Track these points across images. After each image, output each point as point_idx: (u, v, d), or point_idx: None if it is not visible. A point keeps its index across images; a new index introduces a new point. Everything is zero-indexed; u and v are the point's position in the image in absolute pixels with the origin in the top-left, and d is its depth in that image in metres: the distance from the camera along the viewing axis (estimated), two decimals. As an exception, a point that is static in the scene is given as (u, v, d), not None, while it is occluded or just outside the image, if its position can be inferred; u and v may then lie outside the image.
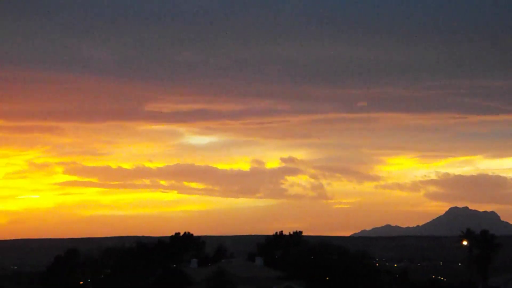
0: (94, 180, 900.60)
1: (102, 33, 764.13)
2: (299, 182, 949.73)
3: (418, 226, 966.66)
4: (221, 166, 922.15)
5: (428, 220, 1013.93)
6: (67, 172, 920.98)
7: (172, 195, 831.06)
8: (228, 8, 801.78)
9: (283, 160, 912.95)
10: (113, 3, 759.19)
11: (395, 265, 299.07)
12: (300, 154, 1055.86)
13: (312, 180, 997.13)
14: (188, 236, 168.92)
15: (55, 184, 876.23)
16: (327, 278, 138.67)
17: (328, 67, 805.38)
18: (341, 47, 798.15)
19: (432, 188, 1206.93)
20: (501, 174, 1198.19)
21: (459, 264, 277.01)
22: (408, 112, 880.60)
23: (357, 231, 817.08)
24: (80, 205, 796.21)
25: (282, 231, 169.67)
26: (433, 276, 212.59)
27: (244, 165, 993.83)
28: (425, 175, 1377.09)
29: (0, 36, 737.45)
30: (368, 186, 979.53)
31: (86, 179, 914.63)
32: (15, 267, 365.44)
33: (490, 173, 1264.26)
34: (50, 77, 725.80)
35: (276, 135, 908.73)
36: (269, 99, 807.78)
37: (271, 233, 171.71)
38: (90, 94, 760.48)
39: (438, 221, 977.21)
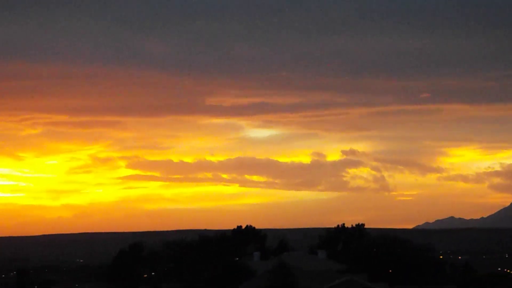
0: (156, 174, 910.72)
1: (163, 27, 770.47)
2: (361, 175, 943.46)
3: (482, 218, 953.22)
4: (282, 159, 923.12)
5: (492, 212, 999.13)
6: (129, 166, 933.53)
7: (234, 188, 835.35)
8: (287, 2, 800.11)
9: (344, 152, 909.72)
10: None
11: (459, 257, 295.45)
12: (361, 146, 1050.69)
13: (374, 173, 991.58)
14: (250, 229, 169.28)
15: (118, 178, 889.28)
16: (390, 271, 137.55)
17: (389, 59, 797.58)
18: (402, 38, 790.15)
19: (496, 180, 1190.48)
20: None
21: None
22: (471, 103, 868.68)
23: (420, 223, 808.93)
24: (143, 198, 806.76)
25: (344, 224, 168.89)
26: (499, 269, 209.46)
27: (305, 158, 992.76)
28: (489, 167, 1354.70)
29: (62, 32, 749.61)
30: (430, 178, 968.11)
31: (149, 173, 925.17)
32: (81, 261, 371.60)
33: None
34: (111, 73, 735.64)
35: (337, 128, 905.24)
36: (330, 91, 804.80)
37: (333, 225, 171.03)
38: (152, 89, 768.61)
39: (503, 213, 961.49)
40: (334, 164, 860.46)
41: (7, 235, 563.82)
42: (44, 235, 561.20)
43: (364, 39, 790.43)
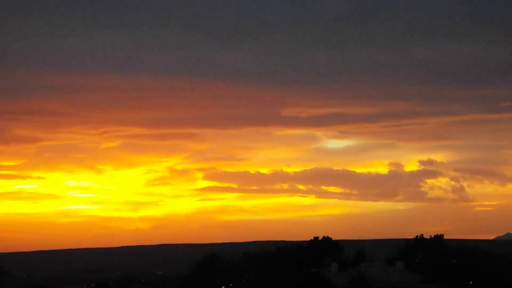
0: (233, 185, 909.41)
1: (238, 38, 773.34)
2: (439, 185, 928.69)
3: None
4: (358, 169, 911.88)
5: None
6: (206, 177, 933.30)
7: (310, 200, 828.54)
8: (363, 11, 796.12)
9: (422, 162, 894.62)
10: (249, 8, 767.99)
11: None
12: (439, 156, 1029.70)
13: (453, 183, 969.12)
14: (327, 240, 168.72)
15: (195, 189, 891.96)
16: (471, 282, 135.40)
17: (468, 67, 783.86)
18: (482, 46, 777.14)
19: None
20: None
21: None
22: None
23: (501, 234, 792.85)
24: (220, 210, 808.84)
25: (422, 235, 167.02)
26: None
27: (382, 168, 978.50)
28: None
29: (140, 46, 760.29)
30: (511, 188, 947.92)
31: (225, 185, 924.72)
32: (159, 272, 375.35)
33: None
34: (188, 85, 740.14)
35: (414, 138, 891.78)
36: (406, 101, 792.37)
37: (411, 236, 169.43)
38: (228, 101, 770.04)
39: None
40: (412, 174, 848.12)
41: (88, 246, 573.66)
42: (123, 247, 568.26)
43: (443, 47, 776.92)
